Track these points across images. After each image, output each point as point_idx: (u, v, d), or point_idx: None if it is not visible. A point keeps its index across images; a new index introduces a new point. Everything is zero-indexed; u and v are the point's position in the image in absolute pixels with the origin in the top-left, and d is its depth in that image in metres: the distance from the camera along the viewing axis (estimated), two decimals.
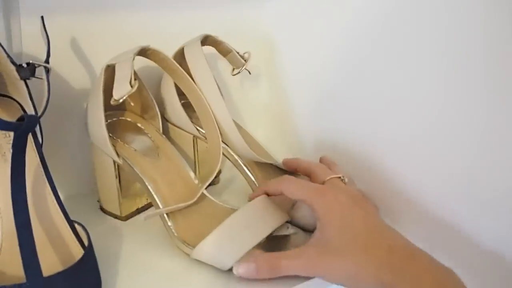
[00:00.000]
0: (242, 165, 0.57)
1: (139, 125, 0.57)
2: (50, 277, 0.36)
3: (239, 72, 0.59)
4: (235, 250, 0.44)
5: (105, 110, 0.49)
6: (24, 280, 0.35)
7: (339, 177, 0.48)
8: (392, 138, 0.51)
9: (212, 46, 0.58)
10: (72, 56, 0.54)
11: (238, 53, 0.58)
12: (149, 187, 0.50)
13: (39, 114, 0.42)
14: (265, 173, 0.57)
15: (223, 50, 0.58)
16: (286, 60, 0.67)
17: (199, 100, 0.53)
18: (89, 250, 0.41)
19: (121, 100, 0.45)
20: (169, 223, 0.48)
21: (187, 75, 0.52)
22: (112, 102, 0.46)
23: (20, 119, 0.38)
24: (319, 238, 0.43)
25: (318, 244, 0.42)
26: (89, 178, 0.57)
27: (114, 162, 0.51)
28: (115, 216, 0.55)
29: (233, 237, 0.44)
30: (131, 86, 0.45)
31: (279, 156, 0.59)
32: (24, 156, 0.39)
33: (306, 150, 0.66)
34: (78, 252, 0.41)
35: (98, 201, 0.57)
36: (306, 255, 0.42)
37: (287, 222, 0.48)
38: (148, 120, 0.58)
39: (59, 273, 0.37)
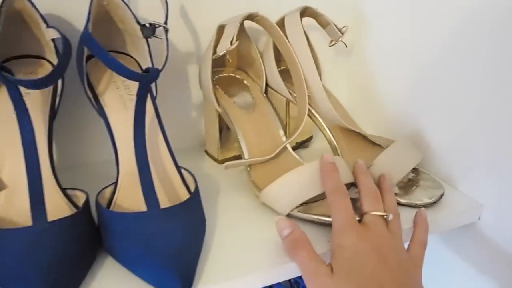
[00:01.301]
0: (326, 128, 0.62)
1: (245, 82, 0.65)
2: (166, 208, 0.42)
3: (335, 44, 0.64)
4: (291, 199, 0.49)
5: (218, 66, 0.57)
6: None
7: (382, 216, 0.45)
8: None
9: (312, 17, 0.63)
10: (186, 21, 0.63)
11: (336, 26, 0.63)
12: (238, 134, 0.57)
13: (156, 70, 0.46)
14: (348, 139, 0.62)
15: (322, 22, 0.63)
16: (376, 35, 0.70)
17: (294, 65, 0.58)
18: (196, 192, 0.47)
19: (221, 54, 0.53)
20: (249, 169, 0.55)
21: (287, 41, 0.58)
22: (213, 57, 0.54)
23: (145, 71, 0.46)
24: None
25: (331, 274, 0.40)
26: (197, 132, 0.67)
27: (217, 112, 0.60)
28: (214, 159, 0.64)
29: (293, 187, 0.49)
30: (231, 44, 0.53)
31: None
32: (145, 105, 0.46)
33: (388, 125, 0.69)
34: (184, 194, 0.48)
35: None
36: (319, 271, 0.40)
37: (354, 185, 0.52)
38: (254, 78, 0.65)
39: (173, 206, 0.43)
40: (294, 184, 0.49)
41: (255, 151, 0.57)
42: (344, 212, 0.43)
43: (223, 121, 0.61)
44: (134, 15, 0.50)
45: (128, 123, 0.49)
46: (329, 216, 0.47)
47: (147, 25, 0.50)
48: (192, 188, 0.48)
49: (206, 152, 0.67)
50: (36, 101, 0.48)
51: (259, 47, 0.66)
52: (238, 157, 0.64)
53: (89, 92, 0.51)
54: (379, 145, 0.61)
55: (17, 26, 0.50)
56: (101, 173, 0.51)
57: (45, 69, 0.52)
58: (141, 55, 0.53)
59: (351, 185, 0.52)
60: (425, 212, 0.50)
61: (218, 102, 0.59)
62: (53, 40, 0.48)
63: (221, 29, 0.57)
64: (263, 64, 0.63)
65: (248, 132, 0.58)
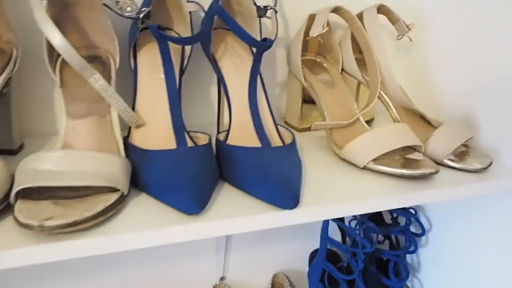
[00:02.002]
0: (393, 108, 0.73)
1: (324, 65, 0.77)
2: (275, 147, 0.56)
3: (401, 38, 0.76)
4: (368, 153, 0.59)
5: (303, 50, 0.69)
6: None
7: None
8: None
9: (384, 14, 0.75)
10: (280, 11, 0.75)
11: (404, 22, 0.74)
12: (322, 104, 0.69)
13: (272, 40, 0.59)
14: (410, 118, 0.73)
15: (393, 19, 0.75)
16: (434, 32, 0.82)
17: (370, 54, 0.70)
18: (294, 139, 0.59)
19: (313, 35, 0.65)
20: (330, 131, 0.67)
21: (365, 33, 0.69)
22: (306, 38, 0.67)
23: (263, 40, 0.58)
24: None
25: None
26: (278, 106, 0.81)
27: (302, 87, 0.72)
28: (294, 128, 0.76)
29: (369, 144, 0.60)
30: (323, 29, 0.65)
31: None
32: (259, 67, 0.60)
33: (440, 112, 0.80)
34: (280, 143, 0.60)
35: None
36: None
37: (419, 151, 0.63)
38: (332, 62, 0.77)
39: (281, 146, 0.57)
40: (370, 142, 0.60)
41: (335, 119, 0.68)
42: None
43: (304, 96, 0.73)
44: None
45: (239, 81, 0.62)
46: (399, 169, 0.58)
47: (261, 6, 0.62)
48: (287, 140, 0.60)
49: (285, 122, 0.79)
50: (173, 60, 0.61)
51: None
52: None
53: (211, 57, 0.63)
54: (434, 126, 0.72)
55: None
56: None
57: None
58: (253, 31, 0.65)
59: (413, 150, 0.63)
60: None
61: (305, 78, 0.71)
62: (189, 12, 0.61)
63: (311, 17, 0.69)
64: (341, 51, 0.75)
65: (330, 103, 0.70)
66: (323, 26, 0.66)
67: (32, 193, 0.42)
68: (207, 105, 0.76)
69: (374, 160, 0.60)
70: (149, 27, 0.54)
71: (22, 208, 0.41)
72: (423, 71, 0.85)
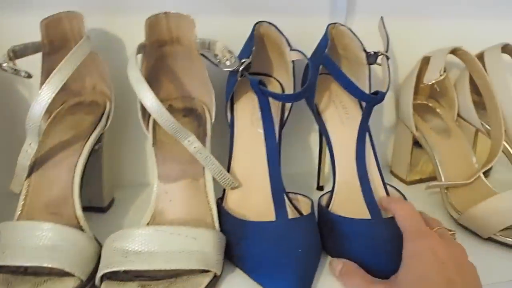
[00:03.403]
0: None
1: (438, 110, 0.69)
2: (388, 218, 0.47)
3: None
4: (496, 223, 0.51)
5: (415, 94, 0.62)
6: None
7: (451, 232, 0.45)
8: None
9: (509, 54, 0.66)
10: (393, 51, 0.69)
11: None
12: (435, 158, 0.61)
13: (384, 93, 0.51)
14: None
15: None
16: None
17: (492, 99, 0.61)
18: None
19: (429, 83, 0.58)
20: (446, 191, 0.59)
21: (487, 76, 0.61)
22: (421, 85, 0.59)
23: (374, 93, 0.51)
24: (394, 281, 0.40)
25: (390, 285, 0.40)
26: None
27: (412, 136, 0.64)
28: (401, 180, 0.69)
29: (498, 211, 0.52)
30: (440, 75, 0.57)
31: None
32: (368, 122, 0.54)
33: None
34: None
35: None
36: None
37: None
38: (446, 108, 0.69)
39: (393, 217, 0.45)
40: (499, 209, 0.52)
41: (450, 175, 0.60)
42: (417, 217, 0.42)
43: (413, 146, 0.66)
44: (361, 43, 0.56)
45: (345, 137, 0.56)
46: None
47: (372, 53, 0.56)
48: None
49: (391, 172, 0.72)
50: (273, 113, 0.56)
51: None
52: (424, 180, 0.69)
53: (314, 108, 0.58)
54: None
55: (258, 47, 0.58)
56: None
57: (273, 86, 0.60)
58: (361, 80, 0.58)
59: None
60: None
61: (416, 127, 0.64)
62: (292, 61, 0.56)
63: (426, 60, 0.62)
64: (457, 95, 0.67)
65: (445, 156, 0.62)
66: (440, 72, 0.58)
67: (119, 273, 0.40)
68: (305, 153, 0.71)
69: (503, 230, 0.51)
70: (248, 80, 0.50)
71: None
72: None
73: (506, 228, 0.51)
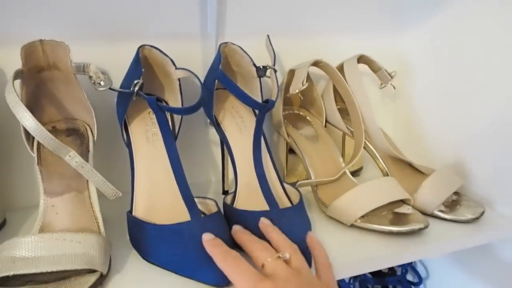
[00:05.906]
0: (379, 158, 0.72)
1: (308, 118, 0.77)
2: (284, 208, 0.55)
3: (384, 86, 0.76)
4: (355, 211, 0.59)
5: (286, 105, 0.68)
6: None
7: (279, 257, 0.45)
8: None
9: (366, 63, 0.75)
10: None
11: (386, 71, 0.74)
12: (306, 160, 0.69)
13: (274, 101, 0.58)
14: (397, 168, 0.73)
15: (374, 68, 0.76)
16: (421, 83, 0.83)
17: (352, 104, 0.70)
18: (301, 199, 0.57)
19: (294, 93, 0.65)
20: (316, 188, 0.66)
21: (346, 84, 0.69)
22: (287, 95, 0.66)
23: (265, 102, 0.58)
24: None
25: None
26: None
27: (286, 142, 0.71)
28: None
29: (356, 201, 0.59)
30: (302, 85, 0.64)
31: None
32: (261, 128, 0.59)
33: (430, 158, 0.81)
34: (287, 202, 0.60)
35: None
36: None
37: (407, 204, 0.62)
38: (315, 115, 0.77)
39: (289, 208, 0.55)
40: (356, 199, 0.60)
41: (320, 175, 0.68)
42: (245, 275, 0.43)
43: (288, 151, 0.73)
44: (251, 59, 0.62)
45: (244, 143, 0.62)
46: (387, 226, 0.57)
47: (261, 67, 0.62)
48: (294, 199, 0.59)
49: None
50: None
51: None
52: None
53: (213, 120, 0.63)
54: (423, 173, 0.70)
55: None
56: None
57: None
58: (254, 91, 0.64)
59: (402, 202, 0.62)
60: (315, 235, 0.53)
61: (288, 134, 0.71)
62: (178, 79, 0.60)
63: (291, 73, 0.69)
64: (323, 103, 0.75)
65: (314, 159, 0.69)
66: (302, 82, 0.65)
67: (10, 280, 0.42)
68: (210, 162, 0.76)
69: (362, 217, 0.59)
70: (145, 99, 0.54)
71: None
72: (411, 119, 0.86)
73: (365, 215, 0.59)
